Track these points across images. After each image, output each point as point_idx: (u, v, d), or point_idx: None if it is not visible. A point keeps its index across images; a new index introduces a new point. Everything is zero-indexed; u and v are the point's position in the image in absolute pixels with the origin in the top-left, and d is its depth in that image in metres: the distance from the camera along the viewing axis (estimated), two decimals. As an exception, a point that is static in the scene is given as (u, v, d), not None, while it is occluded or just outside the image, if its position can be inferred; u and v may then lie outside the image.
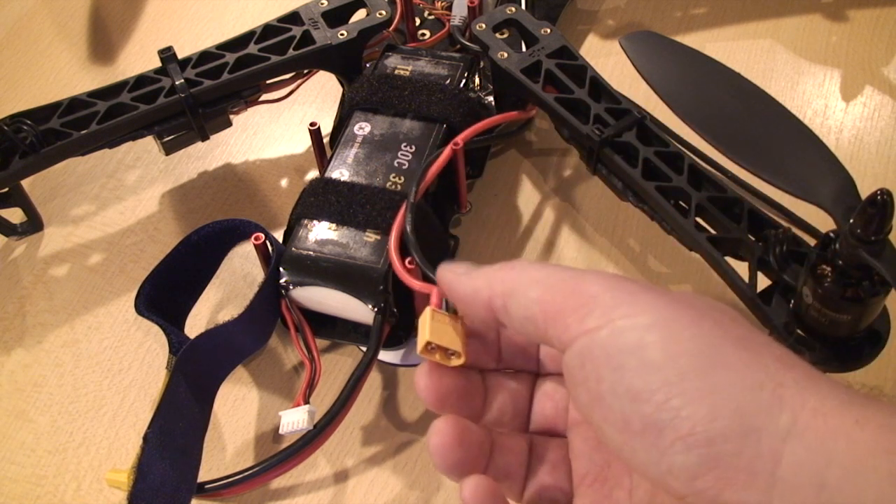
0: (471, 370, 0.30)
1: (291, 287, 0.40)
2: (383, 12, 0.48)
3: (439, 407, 0.29)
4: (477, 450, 0.29)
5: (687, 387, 0.23)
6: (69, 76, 0.59)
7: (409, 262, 0.39)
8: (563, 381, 0.30)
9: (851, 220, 0.36)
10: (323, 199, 0.41)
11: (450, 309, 0.30)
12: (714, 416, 0.23)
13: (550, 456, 0.31)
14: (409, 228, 0.37)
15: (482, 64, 0.50)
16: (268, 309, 0.40)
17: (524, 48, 0.47)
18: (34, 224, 0.50)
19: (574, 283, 0.25)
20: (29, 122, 0.45)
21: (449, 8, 0.53)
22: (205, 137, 0.49)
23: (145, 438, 0.37)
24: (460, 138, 0.43)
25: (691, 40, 0.57)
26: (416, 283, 0.34)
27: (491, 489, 0.28)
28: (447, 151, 0.42)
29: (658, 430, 0.23)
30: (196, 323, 0.46)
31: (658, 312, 0.24)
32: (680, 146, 0.44)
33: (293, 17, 0.49)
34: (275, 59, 0.47)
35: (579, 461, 0.30)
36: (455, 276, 0.29)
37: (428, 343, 0.29)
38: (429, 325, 0.29)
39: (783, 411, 0.23)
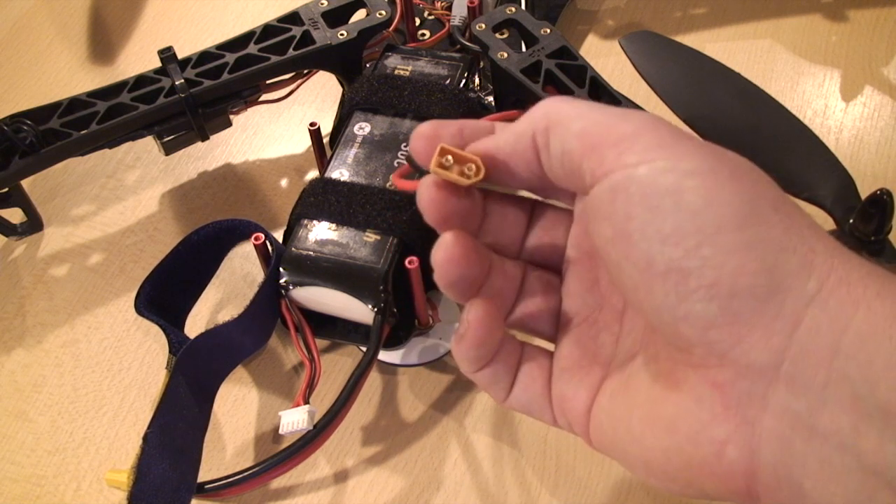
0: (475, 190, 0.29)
1: (291, 287, 0.40)
2: (383, 12, 0.48)
3: (442, 223, 0.28)
4: (478, 269, 0.29)
5: (721, 238, 0.23)
6: (69, 76, 0.59)
7: (410, 262, 0.39)
8: (562, 216, 0.31)
9: (851, 220, 0.36)
10: (323, 199, 0.41)
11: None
12: (743, 271, 0.22)
13: (540, 288, 0.30)
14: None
15: (482, 64, 0.50)
16: (268, 309, 0.40)
17: (524, 48, 0.47)
18: (34, 224, 0.50)
19: (617, 118, 0.25)
20: (29, 122, 0.45)
21: (449, 8, 0.52)
22: (205, 137, 0.49)
23: (145, 438, 0.37)
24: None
25: (691, 40, 0.57)
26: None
27: (494, 313, 0.28)
28: None
29: (683, 275, 0.23)
30: (196, 323, 0.46)
31: (701, 160, 0.24)
32: (680, 146, 0.44)
33: (293, 18, 0.49)
34: (275, 59, 0.47)
35: (571, 300, 0.30)
36: (488, 139, 0.28)
37: (443, 149, 0.26)
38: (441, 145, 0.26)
39: (811, 277, 0.23)
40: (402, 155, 0.43)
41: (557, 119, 0.26)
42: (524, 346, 0.30)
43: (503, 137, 0.27)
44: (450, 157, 0.26)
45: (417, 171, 0.28)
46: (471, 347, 0.28)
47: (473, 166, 0.27)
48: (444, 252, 0.27)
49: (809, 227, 0.24)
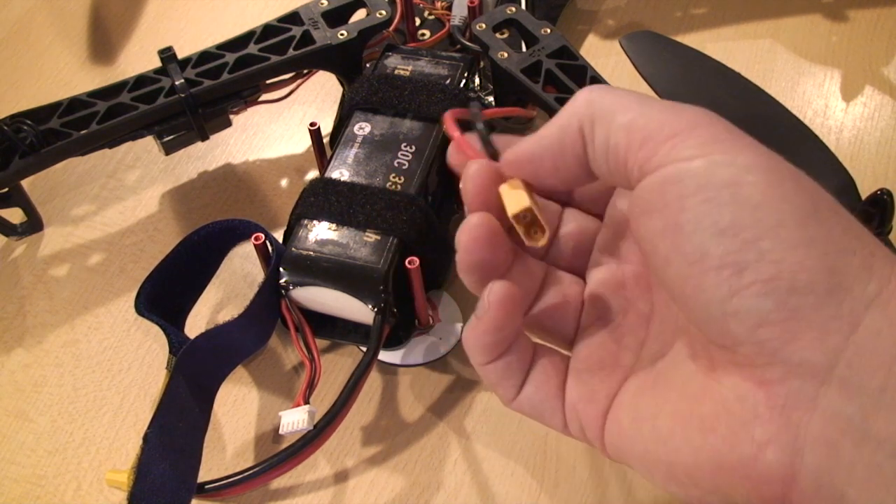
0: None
1: (291, 287, 0.40)
2: (383, 12, 0.48)
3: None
4: (502, 255, 0.28)
5: (782, 232, 0.22)
6: (69, 76, 0.59)
7: (410, 262, 0.39)
8: (587, 220, 0.30)
9: (852, 220, 0.36)
10: (323, 199, 0.41)
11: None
12: (803, 267, 0.22)
13: (562, 288, 0.30)
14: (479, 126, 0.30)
15: (482, 64, 0.50)
16: (268, 309, 0.40)
17: (524, 48, 0.47)
18: (34, 224, 0.50)
19: (668, 113, 0.24)
20: (29, 122, 0.45)
21: (449, 8, 0.52)
22: (205, 137, 0.49)
23: (145, 438, 0.37)
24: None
25: (691, 40, 0.57)
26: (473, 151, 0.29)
27: (515, 296, 0.27)
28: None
29: (738, 269, 0.22)
30: (196, 323, 0.46)
31: (759, 157, 0.23)
32: (680, 146, 0.44)
33: (293, 17, 0.49)
34: (275, 59, 0.47)
35: (594, 302, 0.29)
36: (531, 137, 0.27)
37: (526, 209, 0.26)
38: (518, 192, 0.26)
39: (871, 279, 0.22)
40: (402, 155, 0.43)
41: (601, 111, 0.25)
42: (537, 345, 0.29)
43: (547, 133, 0.26)
44: (527, 215, 0.27)
45: (479, 127, 0.28)
46: (487, 332, 0.27)
47: (539, 232, 0.27)
48: (470, 233, 0.27)
49: (866, 232, 0.23)
